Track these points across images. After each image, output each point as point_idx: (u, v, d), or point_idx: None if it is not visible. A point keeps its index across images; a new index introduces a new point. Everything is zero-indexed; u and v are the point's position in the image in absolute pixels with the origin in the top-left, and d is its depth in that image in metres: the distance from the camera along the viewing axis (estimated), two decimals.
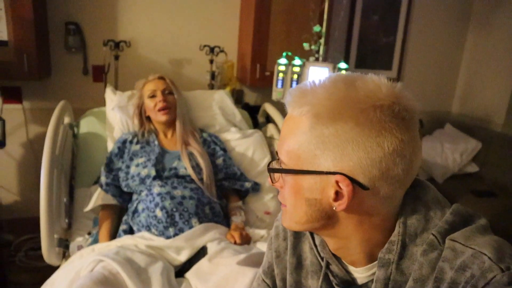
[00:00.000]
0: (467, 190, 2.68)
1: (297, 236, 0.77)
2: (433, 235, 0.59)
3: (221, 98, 2.09)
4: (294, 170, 0.61)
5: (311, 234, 0.74)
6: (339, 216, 0.62)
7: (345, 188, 0.57)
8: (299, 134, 0.59)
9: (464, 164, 2.91)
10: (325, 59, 2.16)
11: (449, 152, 2.89)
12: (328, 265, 0.71)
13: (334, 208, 0.60)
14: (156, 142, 1.70)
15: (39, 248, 1.39)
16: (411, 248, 0.61)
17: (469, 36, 3.33)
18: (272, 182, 0.67)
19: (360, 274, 0.68)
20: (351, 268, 0.69)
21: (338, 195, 0.58)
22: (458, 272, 0.54)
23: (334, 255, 0.70)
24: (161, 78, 1.78)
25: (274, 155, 2.01)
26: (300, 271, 0.76)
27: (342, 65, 2.07)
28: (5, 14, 1.87)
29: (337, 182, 0.57)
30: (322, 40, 2.13)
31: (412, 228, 0.61)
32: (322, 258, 0.72)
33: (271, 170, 0.66)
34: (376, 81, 0.60)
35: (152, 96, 1.72)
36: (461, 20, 3.28)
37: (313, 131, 0.58)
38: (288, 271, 0.77)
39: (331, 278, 0.71)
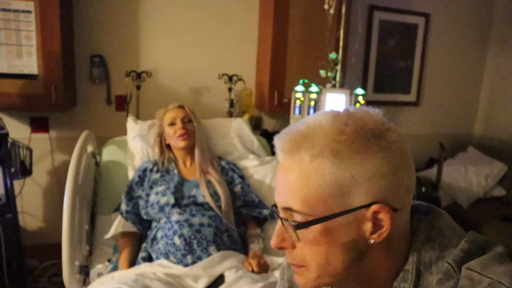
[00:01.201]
0: (494, 215, 2.59)
1: None
2: (449, 263, 0.58)
3: (239, 126, 2.12)
4: (330, 215, 0.56)
5: None
6: (370, 250, 0.59)
7: (385, 216, 0.56)
8: (317, 178, 0.56)
9: (490, 188, 2.83)
10: (342, 86, 2.18)
11: (473, 176, 2.82)
12: None
13: (372, 242, 0.57)
14: (175, 171, 1.73)
15: (62, 274, 1.42)
16: (426, 277, 0.59)
17: (489, 57, 3.30)
18: (281, 245, 0.61)
19: None
20: None
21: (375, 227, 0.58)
22: None
23: None
24: (181, 106, 1.83)
25: None
26: None
27: (359, 91, 2.08)
28: (36, 50, 1.98)
29: (374, 213, 0.56)
30: (338, 67, 2.15)
31: (427, 256, 0.60)
32: None
33: (302, 226, 0.57)
34: (361, 109, 0.61)
35: (172, 124, 1.77)
36: (480, 41, 3.26)
37: (337, 170, 0.55)
38: None
39: None
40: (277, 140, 0.61)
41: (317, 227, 0.56)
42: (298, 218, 0.57)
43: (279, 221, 0.61)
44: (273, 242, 0.61)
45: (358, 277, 0.62)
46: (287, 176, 0.58)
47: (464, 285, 0.55)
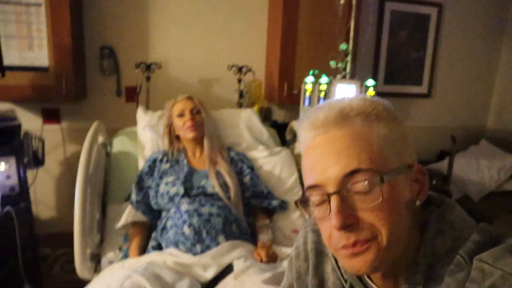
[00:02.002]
0: (506, 208, 2.55)
1: (319, 256, 0.77)
2: (460, 255, 0.57)
3: (248, 117, 2.12)
4: (399, 167, 0.58)
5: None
6: (414, 217, 0.61)
7: (423, 177, 0.60)
8: (375, 137, 0.58)
9: (502, 182, 2.78)
10: (352, 77, 2.16)
11: (485, 169, 2.78)
12: (351, 287, 0.70)
13: (418, 204, 0.60)
14: (185, 161, 1.74)
15: (74, 261, 1.45)
16: (437, 269, 0.59)
17: (504, 48, 3.23)
18: (346, 222, 0.57)
19: None
20: None
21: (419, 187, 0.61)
22: None
23: (358, 277, 0.69)
24: (189, 98, 1.83)
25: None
26: None
27: (370, 82, 2.06)
28: (47, 42, 2.00)
29: (417, 173, 0.60)
30: (349, 58, 2.13)
31: (438, 248, 0.60)
32: (345, 280, 0.71)
33: (392, 173, 0.57)
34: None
35: (181, 115, 1.77)
36: (495, 32, 3.20)
37: (390, 129, 0.60)
38: None
39: None
40: (317, 114, 0.61)
41: (385, 188, 0.56)
42: (366, 178, 0.57)
43: (335, 199, 0.58)
44: (338, 222, 0.57)
45: (405, 254, 0.61)
46: (341, 144, 0.58)
47: (475, 277, 0.54)
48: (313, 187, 0.61)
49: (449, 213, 0.63)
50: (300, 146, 0.66)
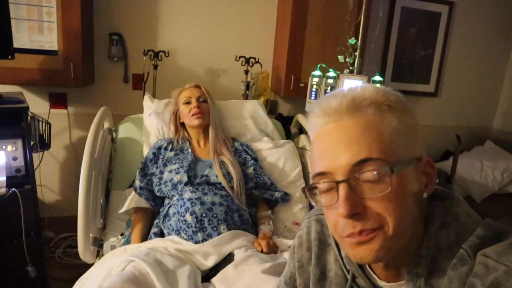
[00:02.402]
0: (508, 211, 2.55)
1: (322, 246, 0.77)
2: (464, 249, 0.58)
3: (254, 108, 2.12)
4: (410, 159, 0.59)
5: (337, 245, 0.73)
6: (421, 208, 0.62)
7: (431, 170, 0.61)
8: (386, 127, 0.58)
9: (505, 184, 2.78)
10: (359, 72, 2.15)
11: (489, 170, 2.78)
12: (354, 278, 0.71)
13: (425, 196, 0.61)
14: (189, 150, 1.75)
15: (76, 246, 1.46)
16: (440, 262, 0.59)
17: None
18: (354, 211, 0.57)
19: None
20: (383, 283, 0.67)
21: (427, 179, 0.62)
22: None
23: (361, 268, 0.69)
24: (197, 86, 1.84)
25: (305, 166, 2.01)
26: (324, 283, 0.75)
27: (377, 78, 2.05)
28: (57, 26, 2.00)
29: (425, 166, 0.61)
30: (357, 53, 2.12)
31: (441, 241, 0.60)
32: (348, 271, 0.71)
33: (400, 165, 0.57)
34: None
35: (187, 102, 1.78)
36: (505, 33, 3.17)
37: (401, 121, 0.60)
38: (311, 282, 0.76)
39: None
40: (329, 102, 0.61)
41: (394, 178, 0.56)
42: (376, 167, 0.57)
43: (343, 187, 0.57)
44: (345, 210, 0.56)
45: (409, 246, 0.61)
46: (352, 132, 0.58)
47: (479, 272, 0.54)
48: (321, 174, 0.61)
49: (454, 207, 0.63)
50: (310, 133, 0.66)
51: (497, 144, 3.03)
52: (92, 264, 1.50)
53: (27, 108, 1.74)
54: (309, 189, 0.63)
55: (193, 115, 1.75)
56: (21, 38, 1.96)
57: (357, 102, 0.60)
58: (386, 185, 0.56)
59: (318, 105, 0.63)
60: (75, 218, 1.44)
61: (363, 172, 0.57)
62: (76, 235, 1.46)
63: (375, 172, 0.56)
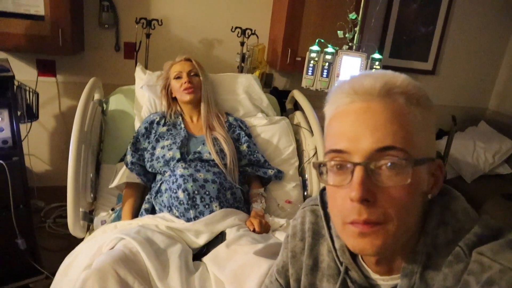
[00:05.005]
0: (496, 192, 2.58)
1: (315, 237, 0.76)
2: (460, 246, 0.57)
3: (248, 82, 2.07)
4: (429, 158, 0.58)
5: (331, 237, 0.73)
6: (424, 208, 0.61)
7: (440, 172, 0.60)
8: (413, 120, 0.57)
9: (496, 165, 2.80)
10: (358, 48, 2.09)
11: (481, 151, 2.79)
12: (347, 270, 0.70)
13: (429, 197, 0.60)
14: (182, 126, 1.71)
15: (66, 216, 1.44)
16: (435, 259, 0.59)
17: None
18: (365, 197, 0.55)
19: (384, 281, 0.67)
20: (376, 276, 0.67)
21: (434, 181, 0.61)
22: (485, 287, 0.52)
23: (354, 260, 0.69)
24: (188, 59, 1.78)
25: (300, 143, 1.99)
26: (316, 273, 0.75)
27: (376, 55, 2.00)
28: None
29: (437, 167, 0.60)
30: (357, 28, 2.06)
31: (438, 238, 0.60)
32: (341, 263, 0.71)
33: (420, 162, 0.56)
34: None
35: (178, 77, 1.73)
36: (507, 14, 3.10)
37: (426, 117, 0.59)
38: (303, 272, 0.76)
39: (349, 284, 0.70)
40: (361, 81, 0.59)
41: (414, 171, 0.55)
42: (399, 156, 0.55)
43: (360, 170, 0.56)
44: (358, 193, 0.55)
45: (406, 242, 0.61)
46: (380, 117, 0.56)
47: (474, 270, 0.54)
48: (338, 151, 0.58)
49: (453, 204, 0.62)
50: (331, 106, 0.63)
51: (491, 125, 3.03)
52: (82, 238, 1.49)
53: (13, 77, 1.67)
54: (320, 166, 0.61)
55: (184, 90, 1.70)
56: (4, 0, 1.86)
57: (389, 87, 0.58)
58: (405, 176, 0.55)
59: (347, 82, 0.60)
60: (65, 188, 1.41)
61: (384, 159, 0.55)
62: (66, 205, 1.43)
63: (397, 161, 0.55)
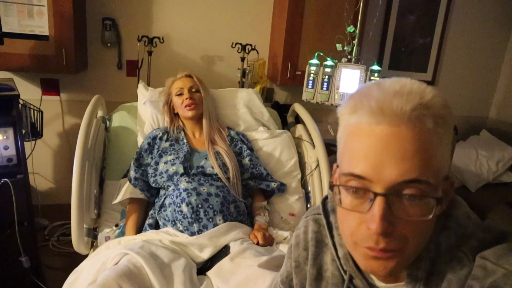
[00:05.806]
0: (501, 200, 2.57)
1: (319, 246, 0.76)
2: (463, 252, 0.57)
3: (249, 97, 2.09)
4: (445, 178, 0.57)
5: (334, 245, 0.72)
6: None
7: (451, 190, 0.59)
8: (440, 147, 0.54)
9: (500, 173, 2.79)
10: (357, 61, 2.12)
11: (484, 160, 2.78)
12: (351, 279, 0.70)
13: (437, 214, 0.58)
14: (185, 141, 1.73)
15: (70, 234, 1.45)
16: (440, 265, 0.59)
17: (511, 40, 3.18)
18: (387, 230, 0.53)
19: None
20: (381, 284, 0.67)
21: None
22: None
23: (358, 269, 0.69)
24: (189, 76, 1.81)
25: (302, 156, 1.99)
26: (320, 283, 0.75)
27: (375, 67, 2.02)
28: (47, 10, 1.94)
29: (449, 186, 0.58)
30: (355, 41, 2.09)
31: (442, 244, 0.59)
32: (345, 271, 0.70)
33: (440, 200, 0.54)
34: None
35: (180, 94, 1.76)
36: (505, 23, 3.13)
37: (449, 140, 0.56)
38: (308, 282, 0.76)
39: None
40: (390, 101, 0.53)
41: (433, 210, 0.53)
42: (424, 190, 0.52)
43: (382, 202, 0.52)
44: (379, 227, 0.52)
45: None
46: (409, 146, 0.52)
47: (477, 274, 0.54)
48: (358, 177, 0.54)
49: (456, 209, 0.62)
50: (348, 115, 0.58)
51: (492, 134, 3.04)
52: (86, 255, 1.48)
53: (18, 95, 1.70)
54: (338, 187, 0.58)
55: (185, 106, 1.73)
56: (10, 22, 1.90)
57: (420, 112, 0.52)
58: (428, 211, 0.53)
59: (373, 98, 0.54)
60: (69, 206, 1.42)
61: (407, 190, 0.52)
62: (70, 223, 1.44)
63: (420, 194, 0.52)
